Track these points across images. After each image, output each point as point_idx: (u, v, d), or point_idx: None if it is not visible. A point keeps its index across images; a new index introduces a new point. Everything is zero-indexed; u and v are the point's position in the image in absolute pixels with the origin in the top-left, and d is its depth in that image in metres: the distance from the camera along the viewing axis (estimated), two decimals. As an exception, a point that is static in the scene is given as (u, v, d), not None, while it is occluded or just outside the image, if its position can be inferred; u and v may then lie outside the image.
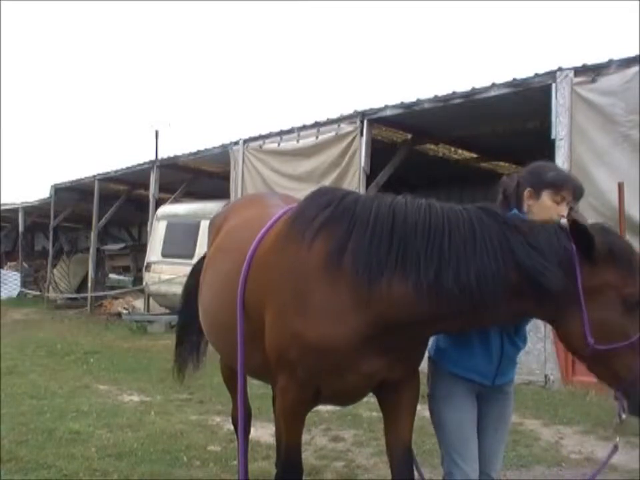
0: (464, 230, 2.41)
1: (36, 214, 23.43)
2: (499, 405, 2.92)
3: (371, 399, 3.20)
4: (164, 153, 16.34)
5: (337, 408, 5.98)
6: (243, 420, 3.36)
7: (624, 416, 2.49)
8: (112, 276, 20.23)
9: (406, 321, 2.49)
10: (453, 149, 12.89)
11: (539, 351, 7.75)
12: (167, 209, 15.53)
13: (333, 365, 2.60)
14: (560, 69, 8.22)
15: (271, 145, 12.23)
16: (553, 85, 8.23)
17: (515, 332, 2.81)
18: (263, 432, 5.38)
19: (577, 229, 2.35)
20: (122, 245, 21.90)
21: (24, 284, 22.77)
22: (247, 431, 4.03)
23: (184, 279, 13.42)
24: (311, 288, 2.58)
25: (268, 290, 2.78)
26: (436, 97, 9.71)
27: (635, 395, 2.35)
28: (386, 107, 10.36)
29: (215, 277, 3.49)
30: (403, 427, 2.82)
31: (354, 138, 10.60)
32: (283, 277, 2.70)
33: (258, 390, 3.36)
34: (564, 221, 2.47)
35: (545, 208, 2.67)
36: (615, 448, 2.68)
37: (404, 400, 2.82)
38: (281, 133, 12.06)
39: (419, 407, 2.92)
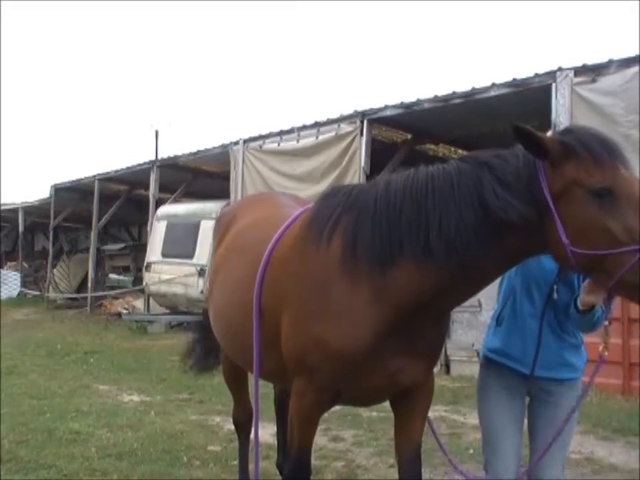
0: (443, 183, 2.38)
1: (36, 214, 23.42)
2: (549, 406, 2.80)
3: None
4: (164, 153, 16.38)
5: (337, 408, 5.97)
6: (256, 421, 3.32)
7: (606, 322, 2.48)
8: (112, 276, 20.21)
9: (421, 299, 2.44)
10: (452, 149, 12.89)
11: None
12: (166, 209, 15.53)
13: (355, 368, 2.57)
14: (560, 69, 8.23)
15: (271, 145, 12.23)
16: (553, 85, 8.24)
17: (559, 324, 2.75)
18: (263, 432, 5.35)
19: (519, 134, 2.23)
20: (122, 245, 21.87)
21: (24, 284, 22.76)
22: (248, 431, 4.04)
23: (184, 279, 13.46)
24: (331, 291, 2.55)
25: (286, 293, 2.75)
26: (436, 97, 9.71)
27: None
28: (386, 107, 10.37)
29: (228, 277, 3.42)
30: (415, 427, 2.82)
31: (354, 138, 10.60)
32: (303, 280, 2.66)
33: (259, 390, 3.35)
34: None
35: None
36: (601, 358, 2.57)
37: (418, 400, 2.80)
38: (281, 133, 12.07)
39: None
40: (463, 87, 9.51)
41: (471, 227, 2.30)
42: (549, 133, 2.47)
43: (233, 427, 4.47)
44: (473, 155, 2.47)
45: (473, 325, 8.64)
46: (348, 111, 10.88)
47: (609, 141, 2.23)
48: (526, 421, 2.93)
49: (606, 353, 2.53)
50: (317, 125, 11.40)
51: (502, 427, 2.81)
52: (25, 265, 23.82)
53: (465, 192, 2.33)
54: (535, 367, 2.76)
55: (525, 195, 2.25)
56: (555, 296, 2.69)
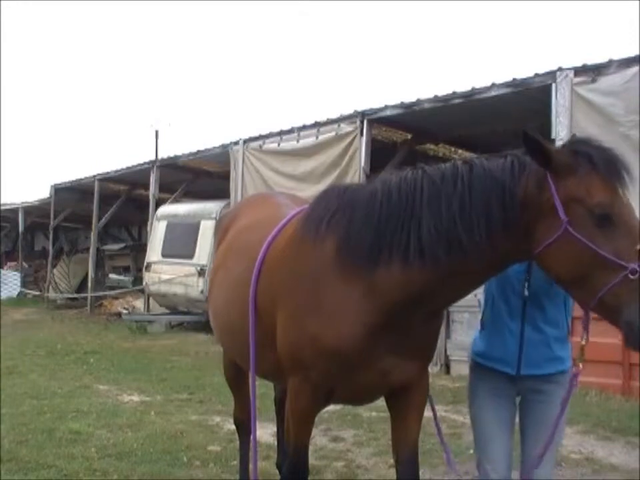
0: (436, 187, 2.39)
1: (36, 214, 23.41)
2: (538, 407, 2.78)
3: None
4: (164, 153, 16.36)
5: (337, 408, 5.98)
6: (253, 420, 3.33)
7: (584, 342, 2.47)
8: (112, 276, 20.21)
9: (412, 297, 2.46)
10: (453, 149, 12.89)
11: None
12: (166, 209, 15.52)
13: (348, 365, 2.59)
14: (560, 69, 8.23)
15: (271, 144, 12.23)
16: (553, 85, 8.24)
17: (542, 319, 2.74)
18: (263, 432, 5.37)
19: (526, 140, 2.21)
20: (122, 245, 21.88)
21: (24, 284, 22.74)
22: (249, 431, 4.03)
23: (184, 279, 13.52)
24: (324, 288, 2.58)
25: (281, 292, 2.77)
26: (436, 96, 9.71)
27: (630, 328, 2.11)
28: (386, 107, 10.37)
29: (227, 277, 3.46)
30: (411, 426, 2.82)
31: (354, 138, 10.60)
32: (297, 278, 2.69)
33: (258, 390, 3.36)
34: None
35: None
36: (575, 375, 2.60)
37: (413, 400, 2.81)
38: (281, 133, 12.07)
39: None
40: (462, 87, 9.53)
41: (462, 231, 2.31)
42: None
43: (233, 427, 4.47)
44: (471, 159, 2.46)
45: (473, 325, 8.62)
46: (348, 110, 10.89)
47: (615, 160, 2.22)
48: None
49: (580, 366, 2.56)
50: (317, 124, 11.40)
51: (490, 429, 2.81)
52: (25, 264, 23.82)
53: (456, 199, 2.34)
54: (520, 366, 2.76)
55: (515, 204, 2.27)
56: (526, 293, 2.70)
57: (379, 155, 10.78)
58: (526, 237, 2.29)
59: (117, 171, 17.31)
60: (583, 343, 2.48)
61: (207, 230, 13.24)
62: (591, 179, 2.18)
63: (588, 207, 2.16)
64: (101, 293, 18.22)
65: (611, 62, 7.86)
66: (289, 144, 11.84)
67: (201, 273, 13.28)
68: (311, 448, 5.20)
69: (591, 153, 2.21)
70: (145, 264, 15.49)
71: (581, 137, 2.34)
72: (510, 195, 2.27)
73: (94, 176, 17.91)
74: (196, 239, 13.85)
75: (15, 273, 23.16)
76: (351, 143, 10.65)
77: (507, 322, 2.76)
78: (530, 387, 2.80)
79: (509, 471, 2.84)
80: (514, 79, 8.81)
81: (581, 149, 2.25)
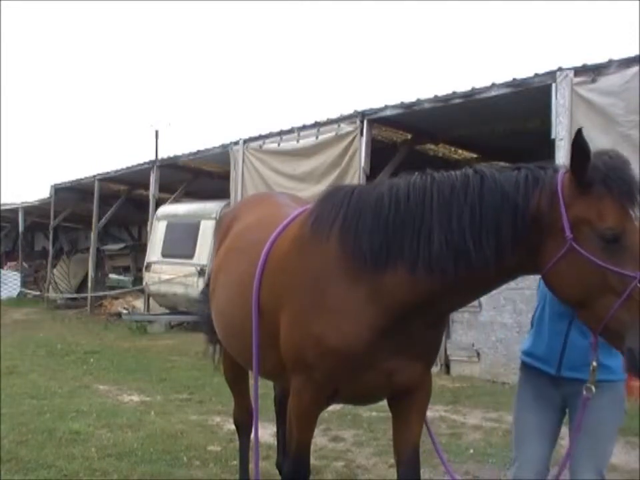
0: (447, 194, 2.38)
1: (36, 214, 23.41)
2: (579, 410, 2.69)
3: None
4: (164, 153, 16.35)
5: (337, 408, 5.98)
6: (256, 421, 3.33)
7: (595, 363, 2.43)
8: (112, 276, 20.20)
9: (417, 302, 2.46)
10: (453, 149, 12.88)
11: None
12: (166, 209, 15.53)
13: (352, 366, 2.59)
14: (560, 69, 8.23)
15: (271, 144, 12.23)
16: (553, 85, 8.24)
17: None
18: (263, 432, 5.36)
19: (581, 148, 2.15)
20: (122, 245, 21.88)
21: (24, 284, 22.73)
22: (248, 431, 4.03)
23: (184, 279, 13.51)
24: (329, 288, 2.57)
25: (285, 292, 2.76)
26: (436, 96, 9.71)
27: (632, 354, 2.12)
28: (386, 107, 10.37)
29: (229, 277, 3.45)
30: (413, 427, 2.82)
31: (354, 138, 10.60)
32: (302, 279, 2.68)
33: (259, 390, 3.36)
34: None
35: None
36: (586, 398, 2.56)
37: (415, 401, 2.81)
38: (281, 133, 12.06)
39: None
40: (462, 87, 9.53)
41: (471, 247, 2.31)
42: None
43: (233, 427, 4.47)
44: (482, 169, 2.44)
45: (473, 325, 8.63)
46: (348, 110, 10.88)
47: (631, 182, 2.19)
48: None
49: (593, 389, 2.52)
50: (317, 124, 11.39)
51: (529, 431, 2.80)
52: (25, 265, 23.81)
53: (467, 212, 2.33)
54: (560, 367, 2.74)
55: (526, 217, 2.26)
56: None
57: (379, 155, 10.77)
58: (535, 253, 2.29)
59: (117, 171, 17.31)
60: (594, 364, 2.43)
61: (207, 230, 13.24)
62: (604, 201, 2.17)
63: (597, 229, 2.16)
64: (101, 293, 18.21)
65: (610, 62, 7.86)
66: (289, 144, 11.84)
67: (201, 272, 13.27)
68: (310, 448, 5.23)
69: (607, 173, 2.18)
70: (145, 264, 15.49)
71: (599, 152, 2.26)
72: (521, 211, 2.26)
73: (94, 176, 17.91)
74: (196, 239, 13.85)
75: (15, 273, 23.16)
76: (351, 143, 10.64)
77: (555, 321, 2.75)
78: (572, 391, 2.76)
79: (543, 474, 2.81)
80: (514, 79, 8.80)
81: (597, 166, 2.19)
